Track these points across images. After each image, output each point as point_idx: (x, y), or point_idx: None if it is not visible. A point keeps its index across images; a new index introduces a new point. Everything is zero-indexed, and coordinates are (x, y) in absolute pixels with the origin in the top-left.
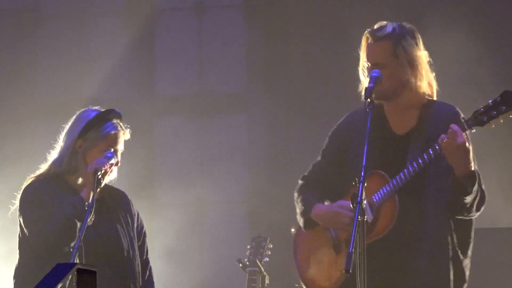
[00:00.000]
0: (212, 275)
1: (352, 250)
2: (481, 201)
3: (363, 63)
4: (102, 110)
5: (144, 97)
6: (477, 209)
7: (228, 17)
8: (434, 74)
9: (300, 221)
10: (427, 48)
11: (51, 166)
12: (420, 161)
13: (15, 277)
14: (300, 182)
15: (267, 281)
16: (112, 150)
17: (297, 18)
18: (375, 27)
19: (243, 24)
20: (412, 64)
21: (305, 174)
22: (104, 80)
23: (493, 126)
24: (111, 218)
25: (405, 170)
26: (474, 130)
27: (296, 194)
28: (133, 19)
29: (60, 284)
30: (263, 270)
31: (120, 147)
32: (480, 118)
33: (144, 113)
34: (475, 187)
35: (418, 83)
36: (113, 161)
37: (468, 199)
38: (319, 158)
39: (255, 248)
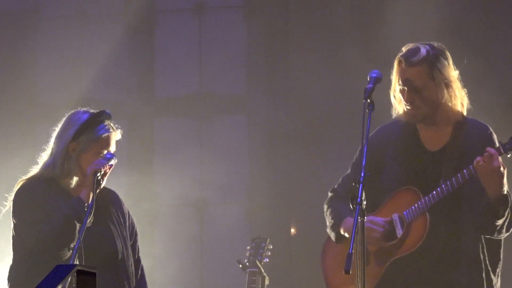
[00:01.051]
0: (212, 276)
1: (351, 251)
2: (511, 223)
3: (396, 86)
4: (93, 111)
5: (144, 99)
6: (507, 230)
7: (228, 18)
8: (465, 90)
9: (331, 235)
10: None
11: (44, 169)
12: (454, 181)
13: (9, 279)
14: (329, 194)
15: (267, 282)
16: (105, 151)
17: (297, 20)
18: (406, 50)
19: (243, 25)
20: (448, 85)
21: (335, 187)
22: (103, 82)
23: None
24: (105, 219)
25: (439, 188)
26: (510, 154)
27: (325, 207)
28: (133, 20)
29: (60, 285)
30: (263, 271)
31: (113, 148)
32: None
33: (144, 114)
34: (507, 211)
35: (453, 101)
36: (112, 162)
37: (500, 222)
38: (348, 171)
39: (255, 249)
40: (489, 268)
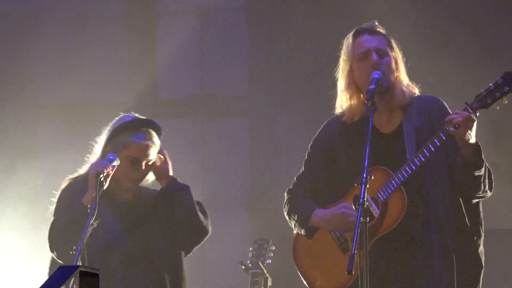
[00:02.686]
0: (214, 277)
1: (354, 251)
2: (490, 179)
3: (356, 58)
4: (139, 117)
5: (146, 101)
6: (490, 187)
7: (229, 20)
8: (414, 83)
9: (301, 231)
10: None
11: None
12: (425, 150)
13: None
14: (286, 196)
15: (269, 283)
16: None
17: (299, 21)
18: (360, 27)
19: (244, 27)
20: (401, 61)
21: (290, 188)
22: (105, 84)
23: (498, 107)
24: (145, 223)
25: (409, 162)
26: (479, 113)
27: (286, 208)
28: (135, 23)
29: (63, 286)
30: (265, 272)
31: (148, 157)
32: (484, 101)
33: (145, 116)
34: (483, 159)
35: (403, 82)
36: (115, 163)
37: (480, 172)
38: (302, 170)
39: (257, 250)
40: (474, 235)
